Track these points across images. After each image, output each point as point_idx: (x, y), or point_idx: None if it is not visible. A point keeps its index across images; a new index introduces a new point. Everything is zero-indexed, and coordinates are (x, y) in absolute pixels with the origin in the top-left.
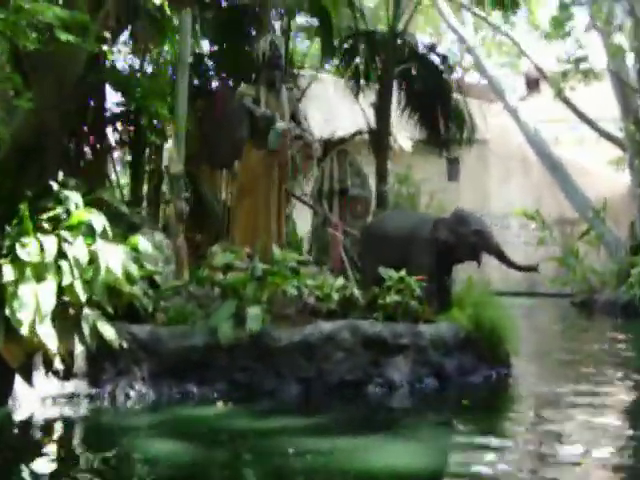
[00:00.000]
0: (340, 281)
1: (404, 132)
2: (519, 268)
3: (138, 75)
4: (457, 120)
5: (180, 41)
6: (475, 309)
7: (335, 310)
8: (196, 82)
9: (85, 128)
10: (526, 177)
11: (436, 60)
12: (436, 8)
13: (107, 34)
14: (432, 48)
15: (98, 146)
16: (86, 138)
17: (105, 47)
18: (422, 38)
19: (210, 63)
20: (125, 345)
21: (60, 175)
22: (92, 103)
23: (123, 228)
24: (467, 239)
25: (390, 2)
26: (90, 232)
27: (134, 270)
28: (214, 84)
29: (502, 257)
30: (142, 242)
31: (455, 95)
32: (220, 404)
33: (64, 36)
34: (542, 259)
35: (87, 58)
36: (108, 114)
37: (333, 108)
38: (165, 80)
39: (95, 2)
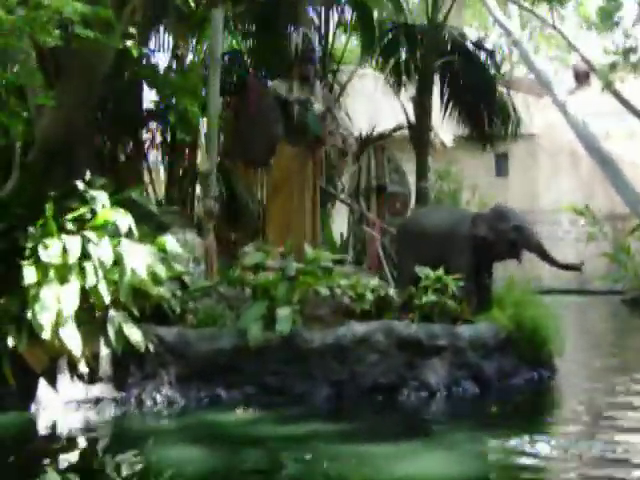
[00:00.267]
0: (375, 281)
1: (447, 127)
2: (562, 266)
3: (170, 72)
4: (502, 114)
5: (212, 36)
6: (516, 308)
7: (369, 310)
8: (231, 79)
9: (120, 127)
10: (576, 172)
11: (480, 54)
12: (481, 1)
13: (133, 30)
14: (476, 41)
15: (132, 145)
16: (121, 137)
17: (129, 43)
18: (469, 32)
19: (244, 59)
20: (152, 348)
21: (89, 175)
22: (127, 101)
23: (152, 228)
24: (506, 235)
25: None
26: (116, 232)
27: (161, 271)
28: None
29: (543, 254)
30: (170, 242)
31: (500, 89)
32: (240, 411)
33: (85, 32)
34: (593, 255)
35: (118, 55)
36: (144, 113)
37: (374, 104)
38: (196, 77)
39: None
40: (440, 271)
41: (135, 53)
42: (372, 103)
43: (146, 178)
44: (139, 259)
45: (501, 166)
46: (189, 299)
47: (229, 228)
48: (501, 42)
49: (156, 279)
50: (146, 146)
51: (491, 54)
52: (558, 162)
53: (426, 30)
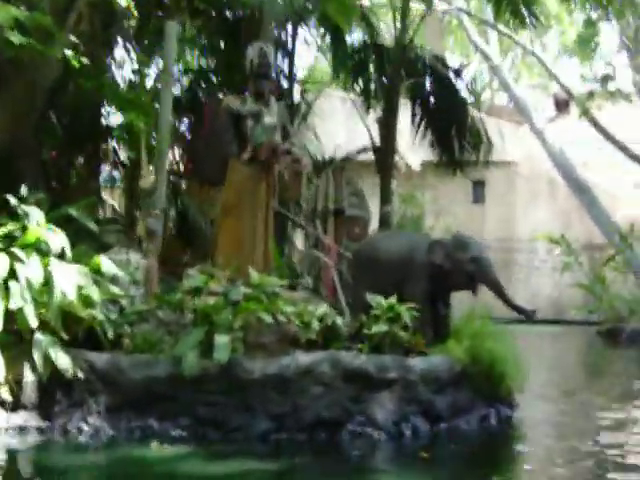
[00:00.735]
0: (323, 308)
1: (417, 151)
2: (515, 308)
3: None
4: (473, 140)
5: (165, 50)
6: (473, 340)
7: (315, 340)
8: (195, 97)
9: (75, 141)
10: (554, 200)
11: (452, 77)
12: (461, 26)
13: (73, 38)
14: (448, 64)
15: (85, 160)
16: (75, 151)
17: (68, 53)
18: (450, 58)
19: (211, 77)
20: (81, 374)
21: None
22: (84, 115)
23: (94, 247)
24: (463, 266)
25: (397, 14)
26: (48, 251)
27: (94, 293)
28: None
29: (499, 291)
30: (105, 263)
31: (473, 114)
32: (155, 444)
33: (18, 39)
34: (569, 285)
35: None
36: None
37: (346, 125)
38: (146, 92)
39: (62, 5)
40: (393, 299)
41: (75, 64)
42: (343, 125)
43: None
44: (69, 280)
45: (478, 193)
46: (125, 323)
47: (181, 249)
48: (482, 69)
49: (87, 302)
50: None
51: (459, 74)
52: (536, 190)
53: (392, 50)
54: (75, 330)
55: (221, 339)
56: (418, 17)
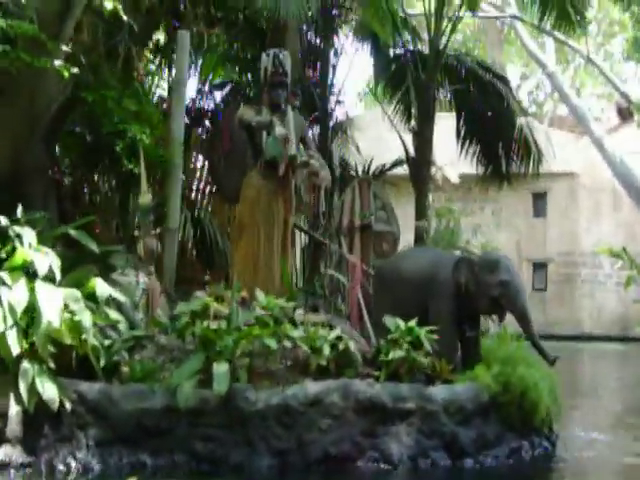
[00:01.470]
0: (336, 332)
1: (458, 163)
2: (535, 345)
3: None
4: (523, 150)
5: (177, 59)
6: (504, 365)
7: (327, 367)
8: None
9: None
10: (618, 212)
11: (498, 84)
12: (515, 33)
13: (66, 48)
14: (493, 70)
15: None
16: (97, 169)
17: (58, 63)
18: (512, 69)
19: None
20: (68, 406)
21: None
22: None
23: (96, 269)
24: (489, 289)
25: (432, 18)
26: (35, 274)
27: (86, 318)
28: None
29: (525, 323)
30: (100, 286)
31: (520, 122)
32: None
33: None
34: (634, 301)
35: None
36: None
37: (380, 137)
38: (152, 104)
39: (55, 14)
40: (413, 322)
41: (65, 74)
42: (377, 136)
43: None
44: (54, 305)
45: (539, 206)
46: (122, 350)
47: (201, 269)
48: (544, 79)
49: (78, 327)
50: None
51: (504, 80)
52: (599, 202)
53: (427, 56)
54: (67, 358)
55: (220, 368)
56: (459, 22)
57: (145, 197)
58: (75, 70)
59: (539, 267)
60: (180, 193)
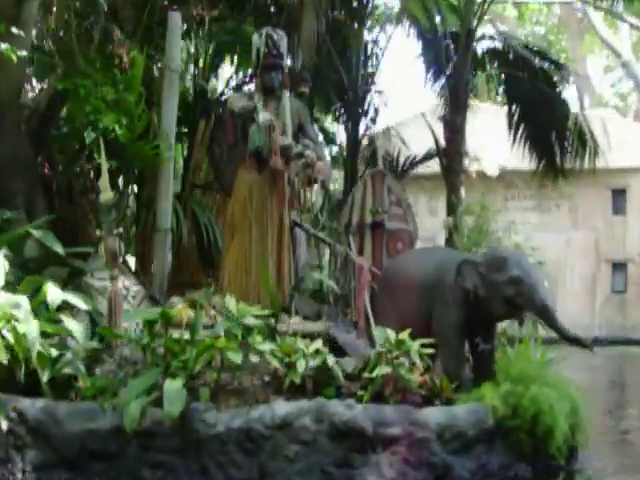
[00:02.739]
0: (316, 345)
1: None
2: (569, 339)
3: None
4: (578, 142)
5: (168, 43)
6: (515, 385)
7: (302, 385)
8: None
9: None
10: None
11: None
12: (587, 20)
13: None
14: (543, 54)
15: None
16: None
17: (3, 46)
18: (593, 60)
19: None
20: (4, 425)
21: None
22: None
23: (63, 272)
24: (501, 290)
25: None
26: None
27: (32, 327)
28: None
29: (549, 318)
30: (52, 292)
31: (574, 111)
32: None
33: None
34: None
35: None
36: None
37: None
38: (135, 92)
39: None
40: (405, 333)
41: (13, 59)
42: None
43: None
44: None
45: (619, 203)
46: (78, 363)
47: (204, 272)
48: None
49: (17, 340)
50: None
51: (558, 66)
52: None
53: (458, 38)
54: (10, 371)
55: (172, 385)
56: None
57: (106, 194)
58: (23, 53)
59: (618, 268)
60: (171, 190)
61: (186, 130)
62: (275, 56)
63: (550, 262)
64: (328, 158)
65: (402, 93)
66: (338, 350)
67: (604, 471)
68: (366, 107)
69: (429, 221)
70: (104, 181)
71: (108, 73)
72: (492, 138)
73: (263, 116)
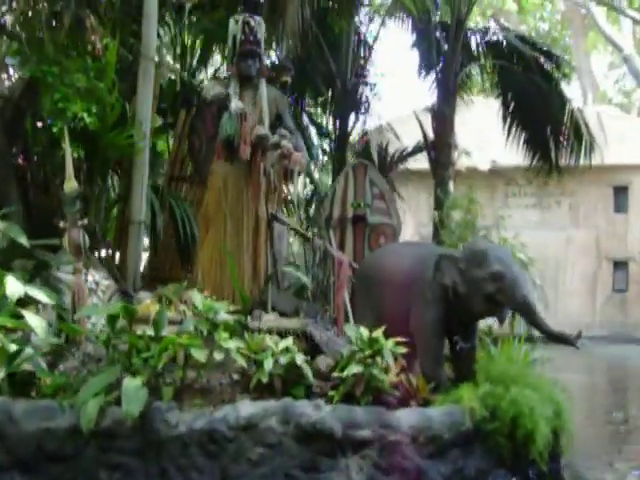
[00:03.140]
0: (285, 342)
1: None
2: (554, 337)
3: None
4: (574, 138)
5: (143, 29)
6: (494, 386)
7: (270, 385)
8: None
9: None
10: None
11: (545, 63)
12: (589, 15)
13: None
14: (539, 47)
15: None
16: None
17: None
18: (598, 58)
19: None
20: None
21: None
22: None
23: (27, 266)
24: (481, 286)
25: None
26: None
27: None
28: None
29: (530, 316)
30: (11, 285)
31: (570, 105)
32: None
33: None
34: None
35: None
36: None
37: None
38: (108, 79)
39: None
40: (378, 331)
41: None
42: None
43: None
44: None
45: (620, 201)
46: (39, 359)
47: (182, 267)
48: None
49: None
50: None
51: (552, 58)
52: None
53: (447, 28)
54: None
55: (131, 383)
56: None
57: (70, 183)
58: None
59: (620, 266)
60: (146, 181)
61: (172, 121)
62: (252, 43)
63: (550, 260)
64: (305, 150)
65: (402, 88)
66: (315, 348)
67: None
68: (358, 100)
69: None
70: (68, 170)
71: (79, 60)
72: (489, 133)
73: (235, 104)
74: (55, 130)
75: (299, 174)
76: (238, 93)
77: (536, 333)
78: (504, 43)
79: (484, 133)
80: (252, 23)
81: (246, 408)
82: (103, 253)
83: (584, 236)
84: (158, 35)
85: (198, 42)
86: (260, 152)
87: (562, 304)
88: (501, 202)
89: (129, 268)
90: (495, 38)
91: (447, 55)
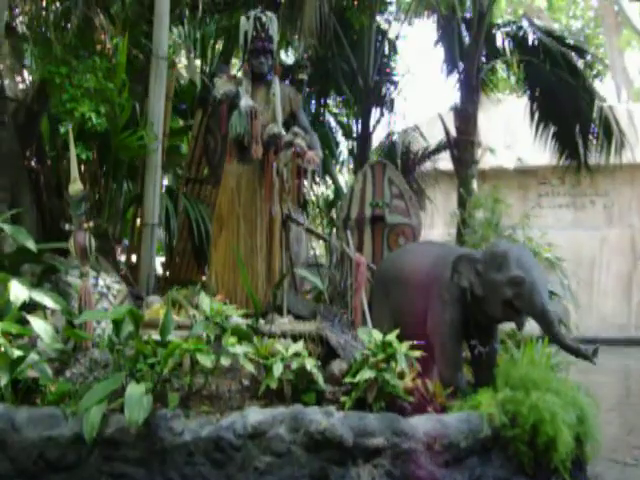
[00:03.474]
0: (296, 347)
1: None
2: (570, 350)
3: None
4: (603, 134)
5: (155, 29)
6: (515, 391)
7: (280, 391)
8: None
9: None
10: None
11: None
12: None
13: None
14: (566, 41)
15: None
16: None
17: None
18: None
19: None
20: None
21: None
22: None
23: (36, 271)
24: (498, 290)
25: None
26: None
27: None
28: None
29: (548, 326)
30: (15, 289)
31: (600, 102)
32: None
33: None
34: None
35: None
36: None
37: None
38: (118, 79)
39: None
40: (392, 335)
41: None
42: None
43: None
44: None
45: None
46: (44, 365)
47: (199, 271)
48: None
49: None
50: None
51: (582, 54)
52: None
53: (469, 22)
54: None
55: (134, 390)
56: None
57: (75, 185)
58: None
59: None
60: (159, 183)
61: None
62: (264, 40)
63: (585, 260)
64: (319, 148)
65: (431, 91)
66: (331, 352)
67: None
68: (381, 98)
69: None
70: (73, 172)
71: (88, 60)
72: (519, 132)
73: (245, 101)
74: (63, 131)
75: (313, 173)
76: (250, 91)
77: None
78: (530, 38)
79: (514, 132)
80: (264, 19)
81: (254, 415)
82: (120, 257)
83: (619, 236)
84: (172, 34)
85: (220, 43)
86: (273, 151)
87: (596, 305)
88: (534, 202)
89: (142, 271)
90: (521, 33)
91: (470, 49)
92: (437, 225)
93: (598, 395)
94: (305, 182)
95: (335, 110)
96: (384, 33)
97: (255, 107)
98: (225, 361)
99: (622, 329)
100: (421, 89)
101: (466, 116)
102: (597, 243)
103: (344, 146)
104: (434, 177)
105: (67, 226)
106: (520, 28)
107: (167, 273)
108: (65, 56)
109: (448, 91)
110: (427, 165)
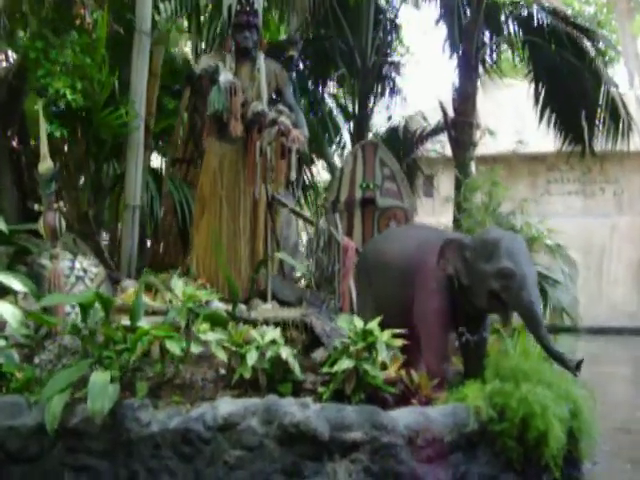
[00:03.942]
0: (272, 334)
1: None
2: (553, 355)
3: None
4: (609, 119)
5: (138, 2)
6: (504, 383)
7: (255, 381)
8: None
9: None
10: None
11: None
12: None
13: None
14: (573, 21)
15: None
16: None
17: None
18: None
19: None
20: None
21: None
22: None
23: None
24: (486, 281)
25: None
26: None
27: None
28: None
29: (532, 323)
30: None
31: (606, 87)
32: None
33: None
34: None
35: None
36: None
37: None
38: (98, 55)
39: None
40: (373, 323)
41: None
42: None
43: None
44: None
45: None
46: (10, 351)
47: (181, 253)
48: None
49: None
50: None
51: (589, 35)
52: None
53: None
54: None
55: (98, 378)
56: None
57: (45, 164)
58: None
59: None
60: (141, 164)
61: None
62: (248, 13)
63: (595, 248)
64: (305, 127)
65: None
66: (316, 340)
67: None
68: (381, 79)
69: None
70: (43, 149)
71: (65, 35)
72: (527, 117)
73: (225, 76)
74: (36, 108)
75: (297, 152)
76: (234, 67)
77: (561, 323)
78: (534, 17)
79: (523, 118)
80: None
81: (225, 406)
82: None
83: (629, 223)
84: (157, 9)
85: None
86: (256, 129)
87: (606, 292)
88: (543, 189)
89: (123, 254)
90: (525, 12)
91: (469, 27)
92: (449, 211)
93: (604, 388)
94: (292, 162)
95: (334, 92)
96: (384, 12)
97: (235, 82)
98: (195, 349)
99: (632, 317)
100: (427, 76)
101: (465, 96)
102: (607, 231)
103: (345, 130)
104: (442, 163)
105: (36, 206)
106: (523, 7)
107: (151, 256)
108: (41, 30)
109: (452, 75)
110: (431, 152)
